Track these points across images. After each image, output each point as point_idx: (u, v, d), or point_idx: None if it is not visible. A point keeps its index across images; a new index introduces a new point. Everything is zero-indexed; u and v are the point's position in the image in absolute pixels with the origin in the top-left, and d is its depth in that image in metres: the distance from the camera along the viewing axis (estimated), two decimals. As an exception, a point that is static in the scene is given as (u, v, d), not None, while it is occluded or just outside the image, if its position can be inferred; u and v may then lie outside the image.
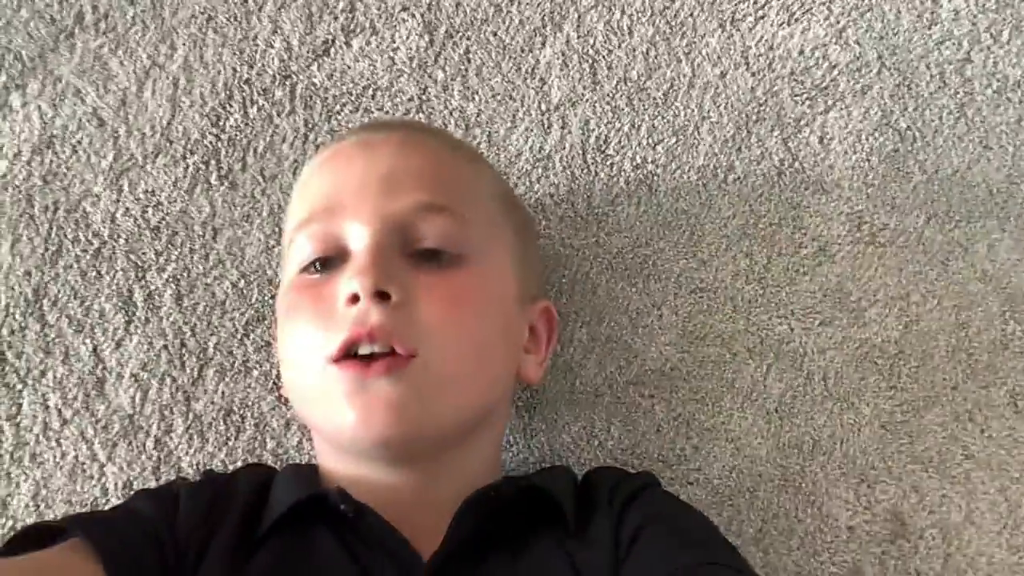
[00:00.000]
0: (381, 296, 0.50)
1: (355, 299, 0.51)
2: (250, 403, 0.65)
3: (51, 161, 0.70)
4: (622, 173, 0.72)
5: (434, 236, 0.54)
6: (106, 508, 0.59)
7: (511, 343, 0.57)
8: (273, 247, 0.69)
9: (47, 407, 0.64)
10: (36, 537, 0.47)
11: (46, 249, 0.68)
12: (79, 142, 0.71)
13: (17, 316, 0.66)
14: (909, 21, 0.78)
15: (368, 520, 0.50)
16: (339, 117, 0.73)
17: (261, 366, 0.66)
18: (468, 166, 0.60)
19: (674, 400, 0.66)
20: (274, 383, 0.65)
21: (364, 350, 0.50)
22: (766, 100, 0.75)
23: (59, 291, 0.67)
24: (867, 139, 0.74)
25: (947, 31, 0.78)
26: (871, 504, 0.64)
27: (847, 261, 0.70)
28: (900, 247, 0.70)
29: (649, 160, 0.73)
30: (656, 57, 0.76)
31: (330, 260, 0.54)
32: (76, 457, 0.62)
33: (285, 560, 0.49)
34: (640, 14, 0.77)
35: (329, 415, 0.51)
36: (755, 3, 0.78)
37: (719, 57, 0.76)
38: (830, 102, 0.75)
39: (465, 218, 0.55)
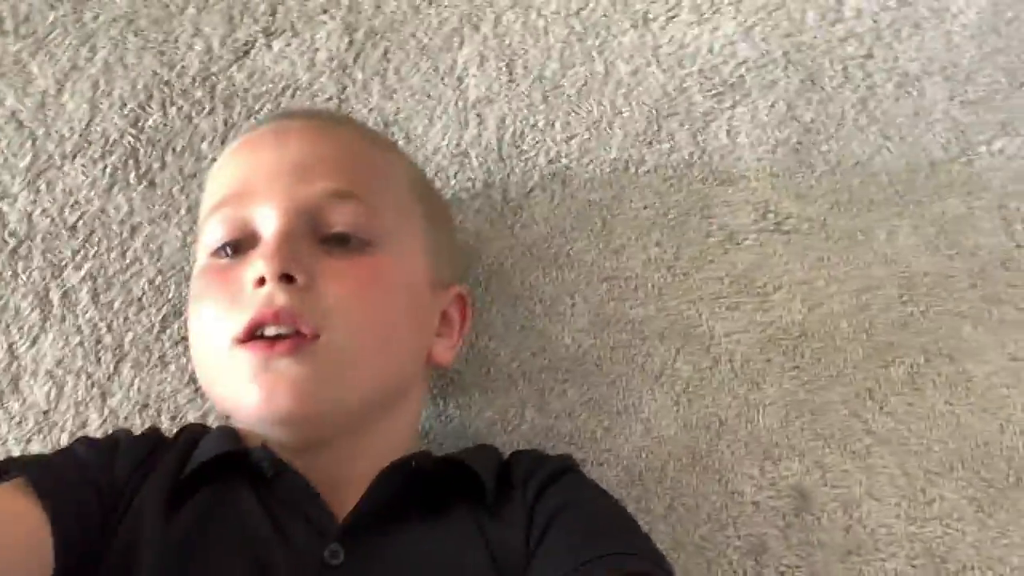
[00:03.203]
0: (287, 279, 0.52)
1: (262, 282, 0.52)
2: (166, 396, 0.65)
3: (-32, 162, 0.70)
4: (536, 167, 0.74)
5: (343, 222, 0.55)
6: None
7: (421, 326, 0.59)
8: (191, 244, 0.70)
9: (-40, 404, 0.64)
10: None
11: (-39, 249, 0.68)
12: (-3, 144, 0.71)
13: (-69, 315, 0.66)
14: (814, 19, 0.81)
15: (286, 480, 0.51)
16: (258, 116, 0.74)
17: (178, 360, 0.67)
18: (380, 155, 0.62)
19: (586, 384, 0.68)
20: (191, 376, 0.66)
21: (270, 331, 0.51)
22: (676, 96, 0.77)
23: (-26, 290, 0.67)
24: (773, 132, 0.76)
25: (850, 29, 0.81)
26: (776, 480, 0.66)
27: (754, 248, 0.72)
28: (804, 234, 0.73)
29: (563, 154, 0.75)
30: (570, 56, 0.78)
31: (240, 244, 0.55)
32: (-11, 453, 0.63)
33: (208, 512, 0.50)
34: (555, 15, 0.79)
35: (234, 394, 0.52)
36: (667, 3, 0.80)
37: (631, 55, 0.78)
38: (738, 97, 0.78)
39: (374, 205, 0.56)
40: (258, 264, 0.52)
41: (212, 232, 0.56)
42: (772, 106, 0.78)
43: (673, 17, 0.80)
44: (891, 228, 0.74)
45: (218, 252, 0.56)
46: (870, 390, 0.68)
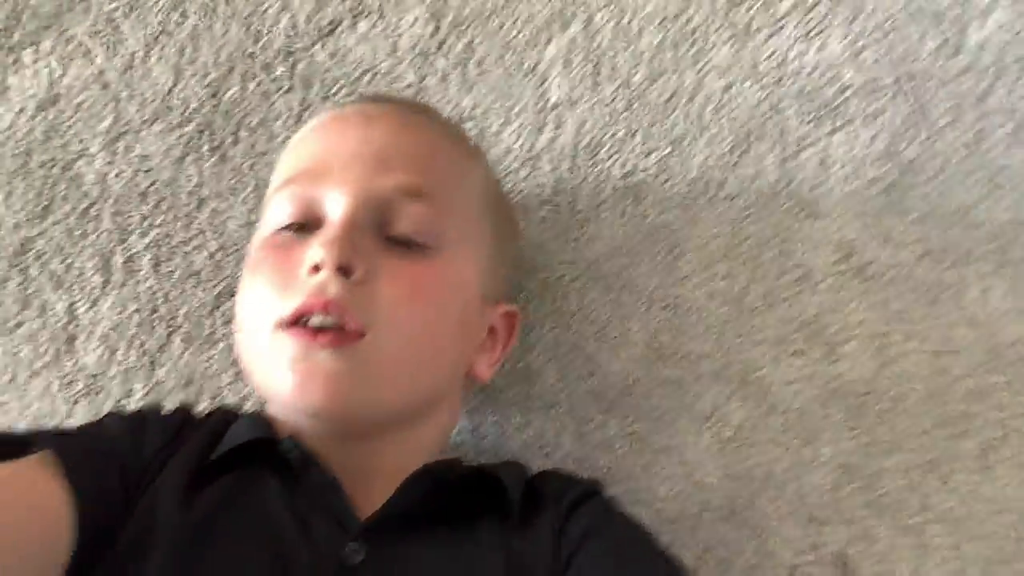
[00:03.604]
0: (344, 271, 0.51)
1: (317, 268, 0.51)
2: (210, 375, 0.66)
3: (53, 118, 0.72)
4: (609, 180, 0.71)
5: (409, 222, 0.54)
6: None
7: (466, 340, 0.57)
8: (254, 222, 0.70)
9: (17, 358, 0.66)
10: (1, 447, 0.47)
11: (37, 204, 0.70)
12: (82, 103, 0.72)
13: (2, 266, 0.68)
14: (932, 47, 0.75)
15: (312, 473, 0.51)
16: (335, 99, 0.73)
17: (227, 339, 0.67)
18: (460, 157, 0.60)
19: (630, 416, 0.65)
20: (235, 359, 0.67)
21: (315, 321, 0.51)
22: (770, 117, 0.73)
23: (44, 246, 0.69)
24: (870, 166, 0.71)
25: (971, 62, 0.74)
26: (817, 545, 0.62)
27: (830, 292, 0.68)
28: (887, 283, 0.68)
29: (640, 168, 0.71)
30: (661, 64, 0.74)
31: (304, 225, 0.54)
32: (39, 409, 0.65)
33: (229, 499, 0.50)
34: (651, 18, 0.75)
35: (271, 376, 0.52)
36: (772, 15, 0.75)
37: (727, 69, 0.74)
38: (837, 124, 0.72)
39: (443, 208, 0.55)
40: (319, 250, 0.51)
41: (279, 207, 0.55)
42: (873, 137, 0.72)
43: (778, 31, 0.75)
44: (985, 287, 0.68)
45: (281, 229, 0.55)
46: (934, 462, 0.63)
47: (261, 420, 0.56)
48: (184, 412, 0.57)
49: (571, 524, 0.52)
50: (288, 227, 0.55)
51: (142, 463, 0.51)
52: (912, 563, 0.61)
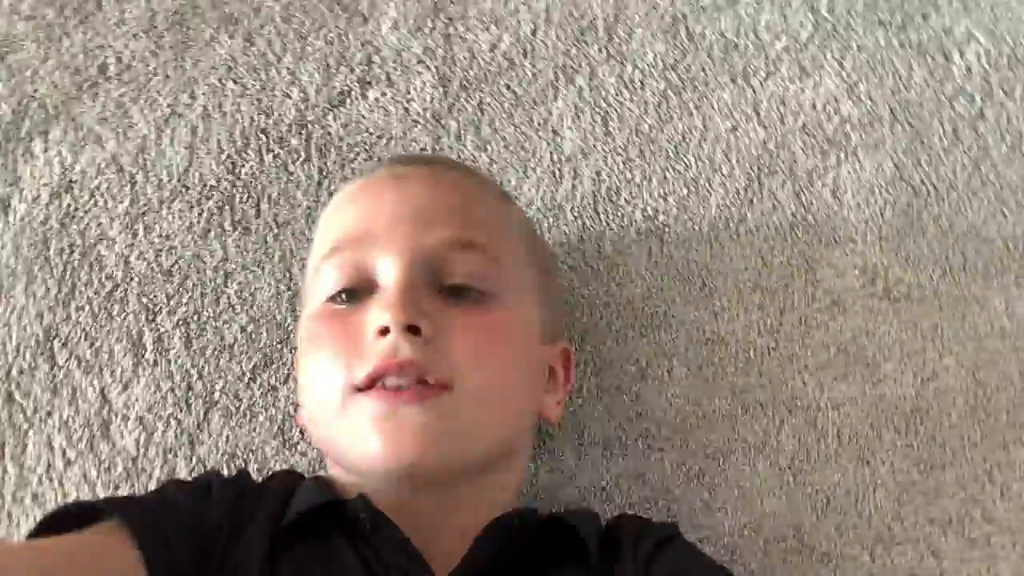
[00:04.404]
0: (412, 330, 0.50)
1: (385, 331, 0.51)
2: (255, 447, 0.64)
3: (69, 205, 0.71)
4: (633, 223, 0.72)
5: (465, 273, 0.54)
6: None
7: (535, 381, 0.58)
8: (284, 292, 0.69)
9: (52, 447, 0.63)
10: (70, 517, 0.47)
11: (59, 290, 0.68)
12: (97, 187, 0.72)
13: (27, 356, 0.66)
14: (921, 77, 0.78)
15: (385, 532, 0.50)
16: (353, 165, 0.74)
17: (267, 410, 0.66)
18: (497, 204, 0.61)
19: (684, 453, 0.65)
20: (279, 427, 0.65)
21: (391, 383, 0.50)
22: (778, 153, 0.75)
23: (70, 332, 0.67)
24: (881, 192, 0.73)
25: (960, 87, 0.78)
26: (887, 566, 0.62)
27: (861, 315, 0.69)
28: (915, 301, 0.70)
29: (660, 211, 0.73)
30: (668, 110, 0.76)
31: (357, 291, 0.54)
32: (78, 497, 0.62)
33: (305, 568, 0.49)
34: (652, 68, 0.78)
35: (354, 442, 0.51)
36: (766, 58, 0.78)
37: (730, 110, 0.76)
38: (842, 155, 0.75)
39: (495, 256, 0.55)
40: (384, 314, 0.51)
41: (328, 277, 0.55)
42: (879, 166, 0.75)
43: (773, 72, 0.78)
44: (1008, 297, 0.70)
45: (335, 298, 0.54)
46: (988, 473, 0.64)
47: (324, 482, 0.55)
48: (245, 475, 0.56)
49: (655, 567, 0.51)
50: (339, 295, 0.54)
51: (210, 530, 0.49)
52: (984, 575, 0.61)
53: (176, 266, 0.70)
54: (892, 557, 0.62)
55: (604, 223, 0.72)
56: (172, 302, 0.68)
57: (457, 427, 0.51)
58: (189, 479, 0.54)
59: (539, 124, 0.76)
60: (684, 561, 0.53)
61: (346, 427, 0.52)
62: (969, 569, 0.61)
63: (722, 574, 0.53)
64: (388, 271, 0.53)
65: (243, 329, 0.68)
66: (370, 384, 0.50)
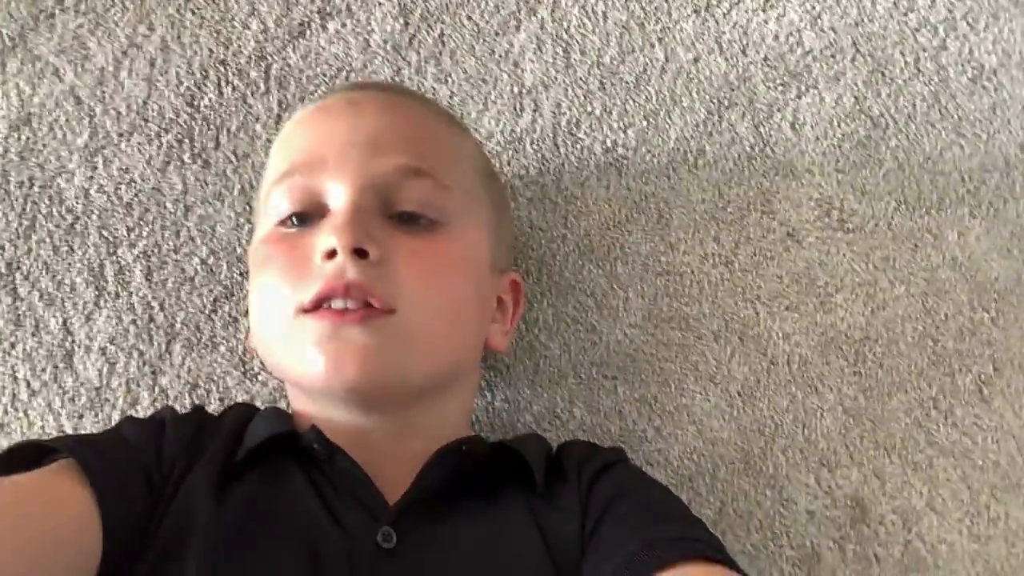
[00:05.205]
0: (359, 253, 0.51)
1: (332, 254, 0.51)
2: (216, 378, 0.65)
3: (27, 138, 0.71)
4: (592, 156, 0.72)
5: (415, 200, 0.54)
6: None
7: (482, 310, 0.58)
8: (244, 225, 0.70)
9: (16, 378, 0.64)
10: (24, 456, 0.47)
11: (20, 223, 0.68)
12: (56, 120, 0.71)
13: (-12, 289, 0.67)
14: (885, 8, 0.78)
15: (339, 462, 0.51)
16: (312, 97, 0.73)
17: (228, 342, 0.66)
18: (452, 134, 0.61)
19: (637, 382, 0.66)
20: (240, 358, 0.66)
21: (337, 304, 0.51)
22: (739, 85, 0.75)
23: (31, 265, 0.67)
24: (839, 125, 0.73)
25: (923, 18, 0.77)
26: (832, 489, 0.64)
27: (815, 247, 0.70)
28: (869, 233, 0.70)
29: (619, 143, 0.73)
30: (629, 42, 0.76)
31: (307, 215, 0.54)
32: (43, 428, 0.63)
33: (258, 497, 0.50)
34: (615, 0, 0.77)
35: (299, 362, 0.52)
36: (732, -11, 0.78)
37: (693, 42, 0.76)
38: (803, 88, 0.75)
39: (446, 184, 0.56)
40: (331, 237, 0.51)
41: (278, 200, 0.55)
42: (839, 98, 0.75)
43: (737, 3, 0.77)
44: (962, 229, 0.71)
45: (284, 222, 0.55)
46: (934, 400, 0.66)
47: (279, 414, 0.56)
48: (200, 411, 0.57)
49: (596, 492, 0.53)
50: (289, 219, 0.55)
51: (164, 467, 0.50)
52: (924, 497, 0.63)
53: (136, 199, 0.70)
54: (836, 480, 0.64)
55: (563, 155, 0.73)
56: (132, 235, 0.69)
57: (399, 349, 0.51)
58: (144, 417, 0.55)
59: (500, 56, 0.75)
60: (626, 482, 0.54)
61: (292, 347, 0.52)
62: (910, 491, 0.63)
63: (664, 493, 0.55)
64: (338, 196, 0.53)
65: (203, 262, 0.68)
66: (316, 305, 0.51)
